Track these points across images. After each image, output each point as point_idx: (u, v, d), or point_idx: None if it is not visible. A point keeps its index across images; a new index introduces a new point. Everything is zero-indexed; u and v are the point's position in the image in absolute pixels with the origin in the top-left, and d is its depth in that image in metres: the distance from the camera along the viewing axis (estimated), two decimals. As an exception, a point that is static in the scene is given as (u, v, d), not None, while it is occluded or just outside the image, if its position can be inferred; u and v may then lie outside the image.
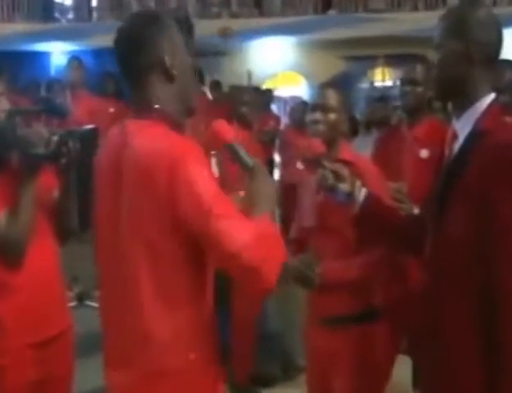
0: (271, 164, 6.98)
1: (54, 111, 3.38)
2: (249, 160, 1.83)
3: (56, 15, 15.03)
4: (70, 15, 14.67)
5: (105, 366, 1.82)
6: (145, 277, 1.68)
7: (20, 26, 15.09)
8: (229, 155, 1.85)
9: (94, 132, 2.31)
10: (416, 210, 2.64)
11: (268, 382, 4.39)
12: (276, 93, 14.75)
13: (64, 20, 14.55)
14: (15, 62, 12.12)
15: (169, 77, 1.77)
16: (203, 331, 1.80)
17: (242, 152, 1.83)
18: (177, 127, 1.77)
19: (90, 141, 2.24)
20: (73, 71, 6.11)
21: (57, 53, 14.88)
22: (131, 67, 1.79)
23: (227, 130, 1.86)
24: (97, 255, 1.84)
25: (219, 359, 1.93)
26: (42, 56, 15.54)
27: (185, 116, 1.87)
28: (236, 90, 4.72)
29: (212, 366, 1.86)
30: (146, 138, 1.71)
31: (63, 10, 15.06)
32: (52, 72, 13.80)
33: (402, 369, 3.16)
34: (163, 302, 1.69)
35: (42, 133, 2.17)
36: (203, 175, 1.63)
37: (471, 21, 1.81)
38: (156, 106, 1.76)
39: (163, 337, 1.70)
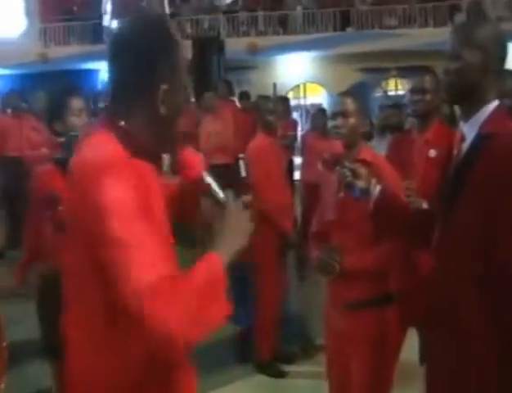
0: (290, 166, 6.97)
1: None
2: (220, 193, 1.56)
3: (104, 37, 15.34)
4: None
5: None
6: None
7: (73, 48, 15.47)
8: (202, 187, 1.57)
9: None
10: (425, 205, 2.63)
11: (289, 360, 4.38)
12: (299, 102, 14.76)
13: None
14: (69, 79, 12.36)
15: (155, 113, 1.37)
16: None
17: (214, 185, 1.58)
18: (140, 148, 1.38)
19: None
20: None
21: (104, 70, 15.25)
22: (119, 75, 1.38)
23: (196, 162, 1.58)
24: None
25: None
26: (91, 73, 15.89)
27: (161, 150, 1.48)
28: (263, 100, 4.72)
29: None
30: (86, 149, 1.38)
31: (109, 32, 15.41)
32: (99, 86, 14.08)
33: (411, 347, 3.14)
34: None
35: None
36: (119, 196, 1.26)
37: (487, 35, 1.82)
38: (121, 123, 1.38)
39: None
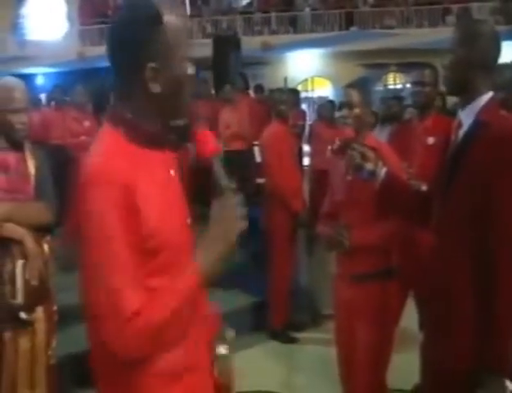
0: (300, 153, 6.91)
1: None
2: (224, 180, 1.32)
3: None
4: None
5: None
6: None
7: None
8: (209, 167, 1.38)
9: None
10: (424, 187, 2.58)
11: (299, 328, 4.38)
12: (307, 95, 14.65)
13: None
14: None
15: (146, 90, 1.22)
16: None
17: (221, 171, 1.35)
18: (147, 137, 1.25)
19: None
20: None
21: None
22: (113, 60, 1.26)
23: (211, 142, 1.40)
24: None
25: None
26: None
27: (168, 129, 1.32)
28: (277, 92, 4.66)
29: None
30: (93, 152, 1.24)
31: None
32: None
33: (411, 316, 3.12)
34: None
35: None
36: (105, 213, 1.14)
37: (478, 32, 1.80)
38: (128, 115, 1.25)
39: None
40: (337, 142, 2.88)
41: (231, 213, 1.26)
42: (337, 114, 2.38)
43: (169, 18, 1.21)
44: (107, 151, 1.21)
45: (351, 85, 2.57)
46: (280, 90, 5.02)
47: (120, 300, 1.13)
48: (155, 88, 1.22)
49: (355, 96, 2.51)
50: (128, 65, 1.23)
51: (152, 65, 1.21)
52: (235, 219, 1.26)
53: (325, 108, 7.01)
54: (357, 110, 2.50)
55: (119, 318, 1.12)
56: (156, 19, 1.20)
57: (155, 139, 1.27)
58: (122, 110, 1.25)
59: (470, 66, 1.78)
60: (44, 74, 16.09)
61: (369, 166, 2.07)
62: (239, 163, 6.36)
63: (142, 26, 1.20)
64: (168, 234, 1.22)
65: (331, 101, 7.36)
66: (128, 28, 1.21)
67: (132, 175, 1.18)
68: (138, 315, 1.13)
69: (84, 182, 1.17)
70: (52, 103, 7.13)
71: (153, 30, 1.20)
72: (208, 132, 1.41)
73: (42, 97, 8.49)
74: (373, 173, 2.07)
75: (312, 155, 7.04)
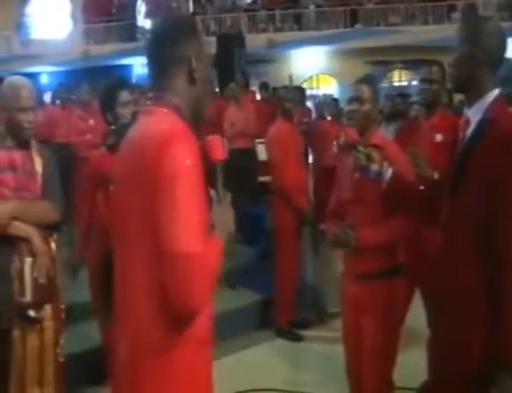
0: (305, 151, 6.90)
1: None
2: (220, 186, 1.54)
3: (138, 36, 15.35)
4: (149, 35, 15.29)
5: None
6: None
7: (111, 46, 15.51)
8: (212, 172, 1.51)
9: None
10: (436, 175, 2.54)
11: (305, 326, 4.39)
12: (312, 92, 14.62)
13: (144, 40, 14.96)
14: (107, 73, 12.39)
15: (191, 78, 1.48)
16: None
17: (220, 177, 1.53)
18: (189, 122, 1.44)
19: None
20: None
21: (138, 65, 15.31)
22: (159, 55, 1.48)
23: (220, 150, 1.52)
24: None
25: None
26: (127, 68, 15.97)
27: (194, 119, 1.50)
28: (282, 89, 4.66)
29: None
30: (150, 122, 1.43)
31: (144, 32, 15.46)
32: (134, 80, 14.17)
33: (418, 314, 3.12)
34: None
35: None
36: (187, 171, 1.30)
37: (482, 29, 1.79)
38: (174, 100, 1.45)
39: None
40: (342, 137, 2.87)
41: (227, 215, 1.55)
42: (345, 108, 2.37)
43: (199, 29, 1.56)
44: (169, 120, 1.41)
45: (362, 80, 2.56)
46: (286, 87, 5.02)
47: (194, 247, 1.27)
48: (197, 75, 1.48)
49: (366, 91, 2.49)
50: (175, 58, 1.48)
51: (194, 54, 1.48)
52: (229, 220, 1.55)
53: (330, 106, 7.00)
54: (366, 106, 2.48)
55: (190, 264, 1.25)
56: (193, 21, 1.56)
57: (193, 126, 1.46)
58: (168, 96, 1.46)
59: (476, 63, 1.77)
60: (49, 73, 16.13)
61: (375, 167, 2.07)
62: (244, 161, 6.38)
63: (190, 30, 1.52)
64: (203, 208, 1.38)
65: (335, 99, 7.34)
66: (181, 28, 1.50)
67: (194, 142, 1.38)
68: (201, 263, 1.28)
69: (163, 143, 1.31)
70: (57, 102, 7.15)
71: (195, 34, 1.52)
72: (219, 139, 1.54)
73: (47, 95, 8.51)
74: (379, 174, 2.07)
75: (315, 152, 7.02)
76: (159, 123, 1.40)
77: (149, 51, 1.50)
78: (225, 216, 1.52)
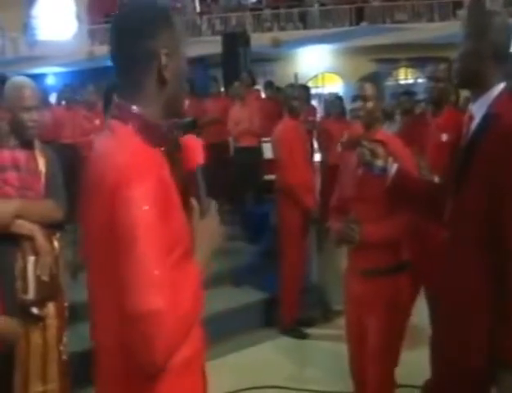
0: (311, 149, 6.90)
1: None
2: (203, 193, 1.36)
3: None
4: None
5: None
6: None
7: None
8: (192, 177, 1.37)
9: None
10: (436, 179, 2.55)
11: (310, 324, 4.39)
12: (317, 91, 14.60)
13: None
14: (112, 73, 12.43)
15: (161, 78, 1.27)
16: None
17: (202, 184, 1.36)
18: (154, 132, 1.27)
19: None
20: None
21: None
22: (123, 51, 1.27)
23: (199, 152, 1.38)
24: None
25: None
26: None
27: (169, 117, 1.35)
28: (289, 87, 4.64)
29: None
30: (110, 145, 1.25)
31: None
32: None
33: (421, 312, 3.11)
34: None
35: None
36: (145, 219, 1.14)
37: (486, 23, 1.76)
38: (135, 109, 1.26)
39: None
40: (345, 136, 2.87)
41: (212, 222, 1.36)
42: (350, 105, 2.37)
43: (176, 16, 1.31)
44: (128, 148, 1.22)
45: (365, 78, 2.56)
46: (293, 86, 5.01)
47: (159, 302, 1.13)
48: (168, 74, 1.28)
49: (369, 89, 2.49)
50: (142, 53, 1.26)
51: (165, 50, 1.26)
52: (217, 228, 1.36)
53: (335, 104, 6.99)
54: (370, 104, 2.48)
55: (155, 319, 1.13)
56: (167, 10, 1.29)
57: (162, 136, 1.30)
58: (130, 106, 1.27)
59: (481, 58, 1.75)
60: (55, 74, 16.19)
61: (379, 163, 2.06)
62: (249, 159, 6.38)
63: (157, 15, 1.27)
64: (181, 228, 1.27)
65: (341, 98, 7.32)
66: (143, 16, 1.27)
67: (157, 169, 1.22)
68: (169, 317, 1.14)
69: (118, 183, 1.15)
70: (63, 102, 7.18)
71: (165, 19, 1.28)
72: (197, 140, 1.39)
73: (53, 96, 8.55)
74: (384, 170, 2.06)
75: (322, 150, 7.01)
76: (118, 150, 1.21)
77: (111, 49, 1.29)
78: (209, 229, 1.35)
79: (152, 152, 1.25)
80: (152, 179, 1.18)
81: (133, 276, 1.13)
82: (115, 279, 1.15)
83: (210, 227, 1.35)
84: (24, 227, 2.23)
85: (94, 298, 1.30)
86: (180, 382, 1.28)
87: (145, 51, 1.26)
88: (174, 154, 1.35)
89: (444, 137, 3.03)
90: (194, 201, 1.35)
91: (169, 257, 1.20)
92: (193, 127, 1.95)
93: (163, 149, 1.29)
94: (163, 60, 1.26)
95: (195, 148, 1.38)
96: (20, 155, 2.32)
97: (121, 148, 1.22)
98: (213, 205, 1.37)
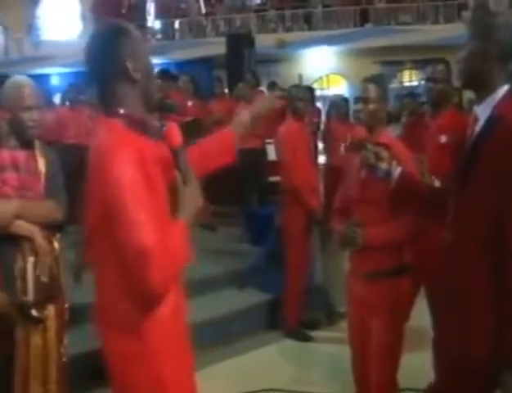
0: (315, 151, 6.88)
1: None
2: (187, 167, 1.64)
3: (148, 36, 15.48)
4: (159, 36, 15.48)
5: None
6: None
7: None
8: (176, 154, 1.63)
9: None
10: (437, 183, 2.54)
11: (314, 326, 4.38)
12: (322, 92, 14.59)
13: (154, 40, 15.07)
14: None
15: (133, 80, 1.58)
16: None
17: (183, 162, 1.63)
18: (140, 124, 1.58)
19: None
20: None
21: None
22: (97, 77, 1.61)
23: (177, 136, 1.64)
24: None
25: None
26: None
27: (149, 111, 1.66)
28: (293, 88, 4.63)
29: None
30: (100, 134, 1.57)
31: (153, 32, 15.61)
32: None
33: (424, 314, 3.10)
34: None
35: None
36: (127, 176, 1.44)
37: (491, 26, 1.75)
38: (121, 111, 1.57)
39: None
40: (349, 138, 2.87)
41: (194, 189, 1.65)
42: (353, 107, 2.37)
43: (129, 27, 1.63)
44: (117, 134, 1.53)
45: (368, 80, 2.55)
46: (297, 86, 4.99)
47: (151, 239, 1.43)
48: (137, 75, 1.58)
49: (372, 91, 2.49)
50: (112, 66, 1.57)
51: (130, 57, 1.57)
52: (198, 193, 1.66)
53: (339, 106, 6.98)
54: (372, 106, 2.47)
55: (149, 254, 1.41)
56: (123, 29, 1.61)
57: (146, 126, 1.59)
58: (117, 109, 1.56)
59: (486, 58, 1.74)
60: (59, 74, 16.22)
61: (383, 166, 2.06)
62: (253, 161, 6.36)
63: (117, 36, 1.58)
64: (162, 200, 1.55)
65: (345, 99, 7.32)
66: (107, 39, 1.59)
67: (140, 146, 1.51)
68: (162, 250, 1.44)
69: (101, 153, 1.48)
70: (67, 102, 7.18)
71: (124, 36, 1.59)
72: (175, 126, 1.65)
73: (58, 96, 8.56)
74: (388, 173, 2.06)
75: (327, 152, 7.00)
76: (105, 135, 1.54)
77: (88, 73, 1.60)
78: (191, 194, 1.63)
79: (136, 136, 1.53)
80: (133, 150, 1.47)
81: (126, 221, 1.42)
82: (113, 234, 1.45)
83: (192, 192, 1.64)
84: (23, 227, 2.22)
85: (97, 261, 1.60)
86: (169, 326, 1.58)
87: (114, 67, 1.57)
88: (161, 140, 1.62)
89: (443, 138, 3.02)
90: (177, 173, 1.62)
91: (154, 210, 1.47)
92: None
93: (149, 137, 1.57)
94: (130, 66, 1.57)
95: (175, 132, 1.64)
96: (20, 155, 2.31)
97: (109, 135, 1.53)
98: (194, 175, 1.65)
